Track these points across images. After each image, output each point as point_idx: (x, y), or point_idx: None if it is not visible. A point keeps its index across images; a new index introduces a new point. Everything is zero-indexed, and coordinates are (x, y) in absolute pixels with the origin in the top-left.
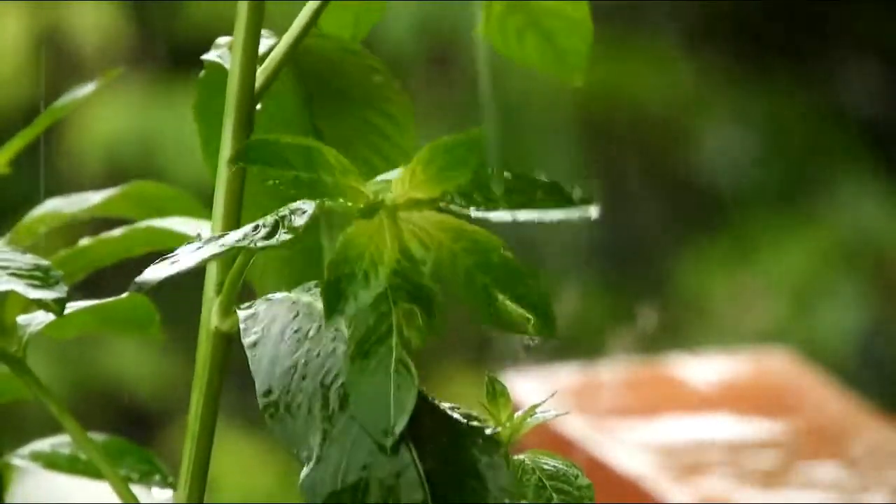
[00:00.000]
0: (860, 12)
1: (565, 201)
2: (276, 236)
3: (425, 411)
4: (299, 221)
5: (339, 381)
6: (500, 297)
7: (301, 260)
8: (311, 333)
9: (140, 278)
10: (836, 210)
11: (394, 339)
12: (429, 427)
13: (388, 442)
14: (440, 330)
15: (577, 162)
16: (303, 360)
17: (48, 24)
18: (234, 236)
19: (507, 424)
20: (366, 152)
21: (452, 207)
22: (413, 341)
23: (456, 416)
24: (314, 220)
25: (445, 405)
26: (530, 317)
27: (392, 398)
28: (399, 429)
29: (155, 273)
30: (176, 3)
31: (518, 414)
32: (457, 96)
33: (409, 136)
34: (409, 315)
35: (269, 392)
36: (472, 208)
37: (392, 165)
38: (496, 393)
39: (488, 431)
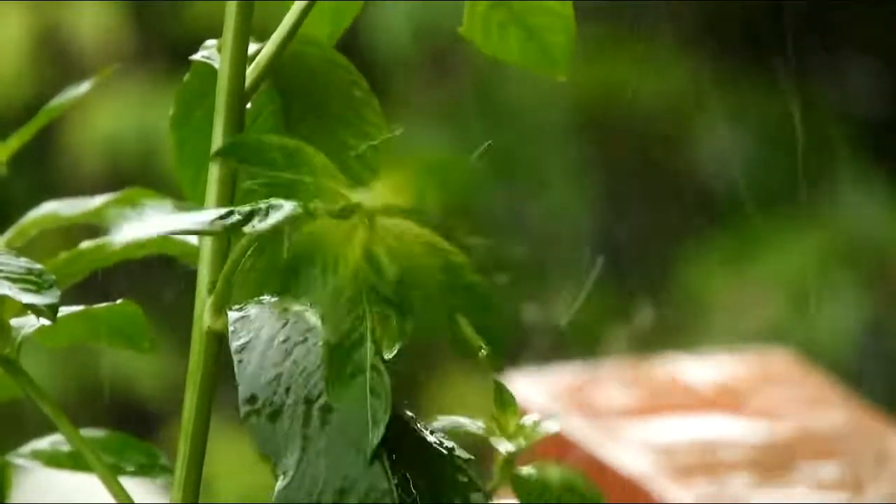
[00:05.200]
0: (860, 12)
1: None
2: (249, 225)
3: (404, 434)
4: (276, 217)
5: (323, 399)
6: (462, 321)
7: (260, 272)
8: (298, 345)
9: (112, 236)
10: (836, 210)
11: (367, 346)
12: (408, 452)
13: (364, 451)
14: (414, 337)
15: (577, 162)
16: (288, 372)
17: (48, 24)
18: (206, 216)
19: (518, 439)
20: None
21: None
22: (387, 348)
23: (436, 437)
24: (278, 233)
25: (426, 429)
26: (484, 347)
27: (368, 407)
28: (376, 438)
29: (126, 233)
30: (175, 3)
31: (526, 423)
32: (456, 96)
33: (383, 158)
34: (385, 322)
35: (252, 400)
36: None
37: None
38: (504, 402)
39: (467, 458)
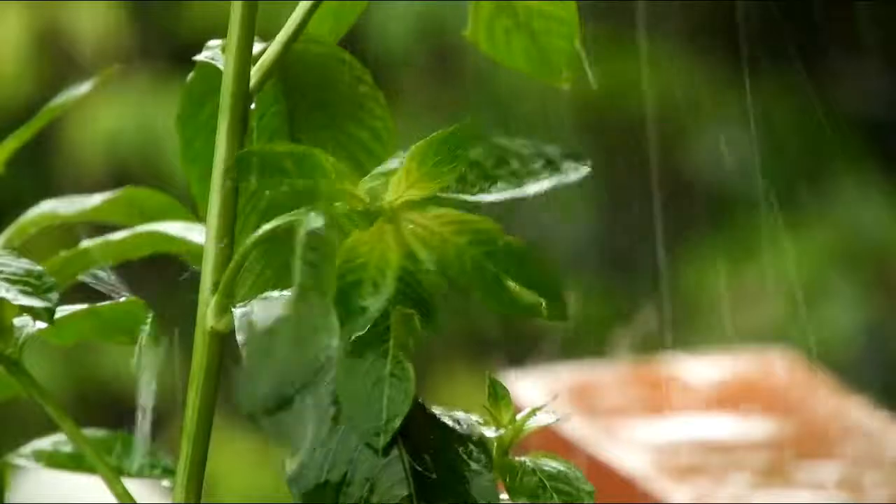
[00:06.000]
0: (860, 12)
1: (558, 164)
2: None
3: (416, 412)
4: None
5: (332, 377)
6: (511, 283)
7: (272, 275)
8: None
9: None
10: (836, 210)
11: (391, 341)
12: (418, 427)
13: (380, 443)
14: (437, 333)
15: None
16: (296, 356)
17: (48, 24)
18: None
19: (509, 428)
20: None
21: (448, 195)
22: (410, 344)
23: (446, 419)
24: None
25: (437, 409)
26: (542, 300)
27: (385, 400)
28: (392, 430)
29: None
30: (176, 2)
31: (519, 416)
32: (456, 96)
33: (390, 151)
34: (407, 318)
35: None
36: (467, 193)
37: None
38: (497, 395)
39: (476, 437)
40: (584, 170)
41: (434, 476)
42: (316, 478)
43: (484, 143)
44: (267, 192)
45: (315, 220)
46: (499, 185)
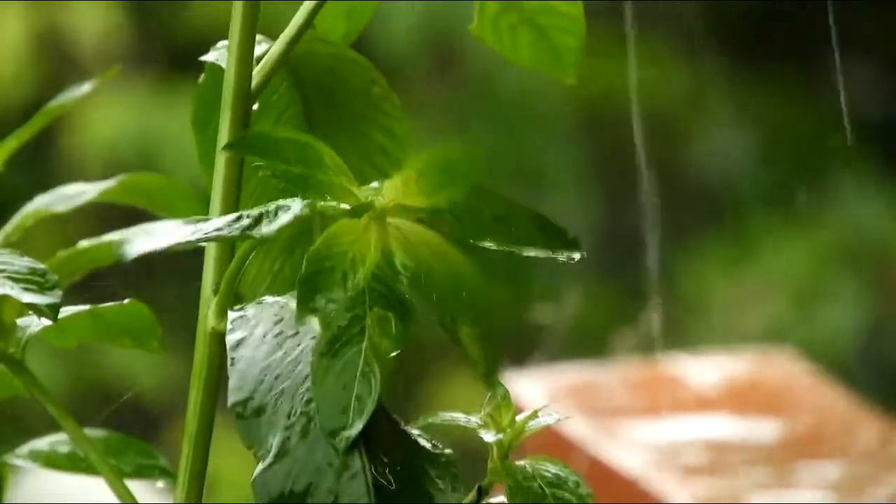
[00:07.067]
0: (860, 12)
1: (554, 241)
2: (258, 229)
3: (384, 427)
4: (284, 218)
5: (307, 385)
6: (462, 327)
7: (290, 273)
8: (289, 338)
9: (124, 252)
10: (836, 210)
11: (364, 343)
12: (385, 442)
13: (342, 443)
14: (412, 339)
15: (577, 161)
16: (277, 362)
17: (48, 24)
18: (213, 224)
19: (509, 430)
20: (363, 167)
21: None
22: (384, 348)
23: (417, 438)
24: (307, 233)
25: (413, 429)
26: (478, 357)
27: (353, 400)
28: (355, 431)
29: (137, 248)
30: (176, 4)
31: (520, 418)
32: (457, 96)
33: (406, 152)
34: (383, 321)
35: (240, 391)
36: (460, 233)
37: None
38: (498, 397)
39: (444, 456)
40: (575, 256)
41: (397, 493)
42: (281, 486)
43: (489, 196)
44: (267, 175)
45: (294, 206)
46: (491, 237)
